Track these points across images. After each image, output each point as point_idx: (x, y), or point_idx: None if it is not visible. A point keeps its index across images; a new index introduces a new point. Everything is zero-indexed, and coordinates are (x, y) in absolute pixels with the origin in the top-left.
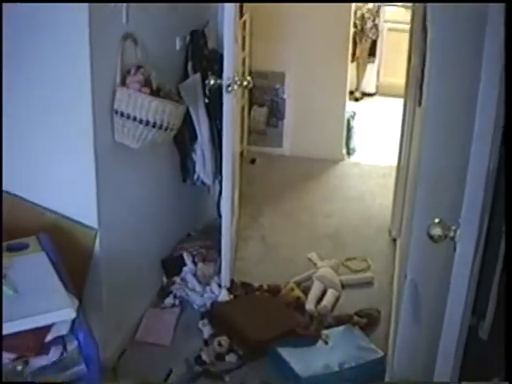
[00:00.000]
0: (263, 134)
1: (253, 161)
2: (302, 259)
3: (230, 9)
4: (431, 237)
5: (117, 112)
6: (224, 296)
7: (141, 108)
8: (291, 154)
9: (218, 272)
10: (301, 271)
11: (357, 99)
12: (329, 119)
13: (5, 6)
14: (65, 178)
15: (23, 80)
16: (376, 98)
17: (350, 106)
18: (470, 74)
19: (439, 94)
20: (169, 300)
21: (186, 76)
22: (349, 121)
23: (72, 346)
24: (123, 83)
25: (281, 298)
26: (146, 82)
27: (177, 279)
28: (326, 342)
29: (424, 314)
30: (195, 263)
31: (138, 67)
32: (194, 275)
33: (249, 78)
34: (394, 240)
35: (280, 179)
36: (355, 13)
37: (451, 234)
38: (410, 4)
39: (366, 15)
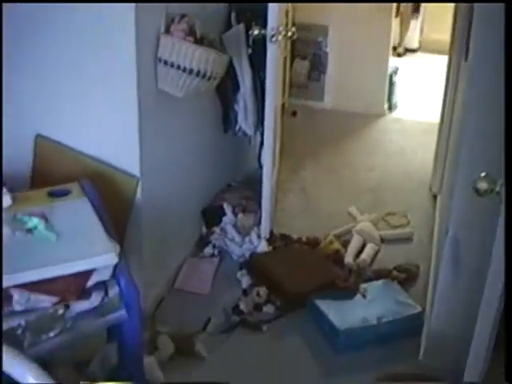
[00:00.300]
0: (305, 87)
1: (294, 113)
2: (341, 213)
3: None
4: (477, 190)
5: (160, 60)
6: (263, 247)
7: (184, 56)
8: (332, 107)
9: (258, 223)
10: (340, 225)
11: (399, 55)
12: (371, 74)
13: None
14: (108, 125)
15: (68, 27)
16: (418, 54)
17: (393, 61)
18: None
19: (486, 46)
20: (208, 250)
21: (229, 26)
22: (391, 76)
23: (113, 291)
24: (167, 31)
25: (320, 251)
26: (190, 31)
27: (216, 229)
28: (364, 296)
29: (465, 270)
30: (235, 214)
31: (182, 16)
32: (234, 226)
33: (293, 28)
34: (435, 196)
35: (321, 133)
36: None
37: (497, 188)
38: None
39: None
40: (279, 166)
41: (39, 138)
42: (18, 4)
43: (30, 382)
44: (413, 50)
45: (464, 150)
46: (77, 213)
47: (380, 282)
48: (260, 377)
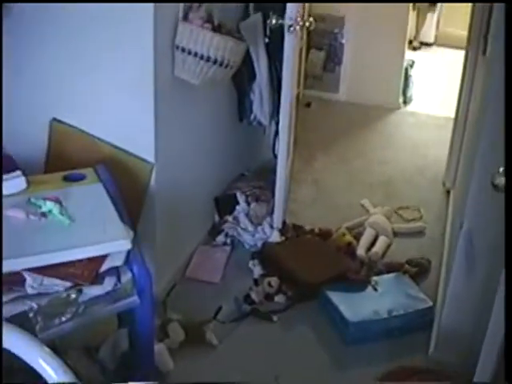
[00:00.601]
0: (320, 78)
1: (308, 104)
2: (354, 205)
3: None
4: (495, 186)
5: (178, 47)
6: (275, 237)
7: (202, 43)
8: (347, 99)
9: (271, 213)
10: (353, 217)
11: (415, 48)
12: (386, 67)
13: None
14: (124, 111)
15: (86, 14)
16: (434, 48)
17: (408, 55)
18: None
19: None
20: (220, 238)
21: (247, 15)
22: (407, 69)
23: (126, 277)
24: (185, 18)
25: (332, 243)
26: (209, 18)
27: (229, 218)
28: (376, 289)
29: (478, 265)
30: (248, 203)
31: (201, 3)
32: (247, 215)
33: (311, 19)
34: (448, 192)
35: (335, 124)
36: None
37: None
38: None
39: None
40: (293, 156)
41: (54, 122)
42: None
43: (41, 365)
44: (428, 44)
45: (482, 145)
46: (91, 198)
47: (391, 275)
48: (270, 366)
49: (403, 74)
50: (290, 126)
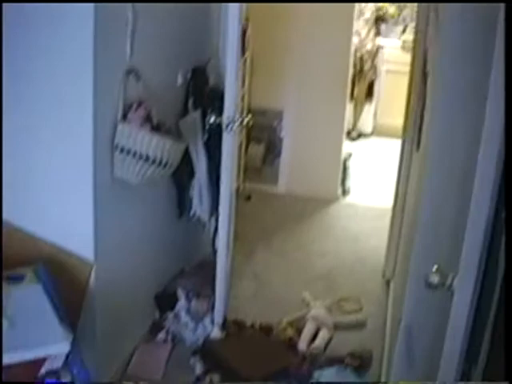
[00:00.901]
0: (259, 171)
1: (248, 197)
2: (295, 298)
3: (233, 47)
4: (429, 284)
5: (117, 147)
6: (217, 333)
7: (141, 144)
8: (286, 192)
9: (212, 309)
10: (294, 310)
11: (353, 139)
12: (325, 158)
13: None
14: (63, 210)
15: (26, 112)
16: (372, 138)
17: (347, 145)
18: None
19: (440, 139)
20: (161, 335)
21: (186, 112)
22: (345, 161)
23: (66, 378)
24: (125, 118)
25: (273, 337)
26: (147, 118)
27: (170, 315)
28: (319, 383)
29: (418, 360)
30: (189, 299)
31: (140, 102)
32: (188, 311)
33: (249, 116)
34: (388, 282)
35: (275, 217)
36: (355, 54)
37: (449, 281)
38: (409, 46)
39: (365, 56)
40: (233, 251)
41: None
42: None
43: None
44: (366, 135)
45: (417, 242)
46: (30, 299)
47: (334, 368)
48: None
49: (341, 166)
50: (230, 220)
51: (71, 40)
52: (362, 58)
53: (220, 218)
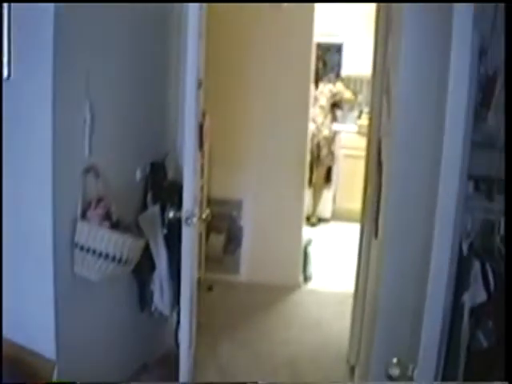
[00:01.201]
0: (220, 261)
1: (210, 288)
2: None
3: (190, 143)
4: (390, 377)
5: (77, 245)
6: None
7: (101, 241)
8: (248, 281)
9: None
10: None
11: (313, 224)
12: (286, 246)
13: None
14: (24, 309)
15: None
16: (332, 223)
17: (307, 231)
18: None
19: (396, 231)
20: None
21: (145, 207)
22: (305, 247)
23: None
24: (84, 216)
25: None
26: (107, 216)
27: None
28: None
29: None
30: None
31: (99, 200)
32: None
33: (208, 210)
34: (352, 368)
35: (237, 306)
36: (312, 140)
37: (409, 373)
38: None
39: (322, 142)
40: (196, 342)
41: None
42: None
43: None
44: (326, 220)
45: (377, 334)
46: None
47: None
48: None
49: (302, 252)
50: (192, 312)
51: (30, 138)
52: (318, 145)
53: (182, 311)
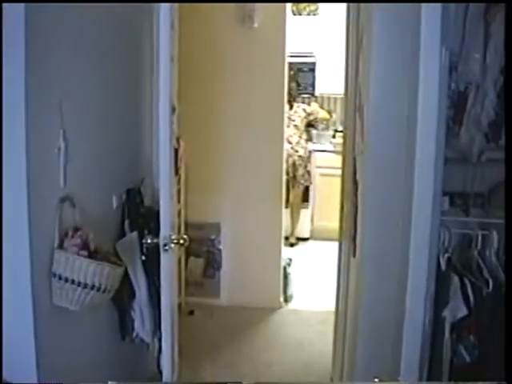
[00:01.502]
0: (200, 285)
1: (191, 312)
2: None
3: (165, 168)
4: None
5: (55, 275)
6: None
7: (79, 271)
8: (229, 304)
9: None
10: None
11: (292, 244)
12: (265, 267)
13: None
14: (3, 340)
15: None
16: (310, 242)
17: (286, 251)
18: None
19: (373, 248)
20: None
21: (123, 234)
22: (285, 268)
23: None
24: (61, 246)
25: None
26: (84, 245)
27: None
28: None
29: None
30: None
31: (76, 229)
32: None
33: (185, 235)
34: None
35: (219, 330)
36: (287, 160)
37: None
38: (340, 149)
39: (298, 162)
40: (179, 368)
41: None
42: None
43: None
44: (304, 239)
45: (358, 355)
46: None
47: None
48: None
49: (282, 273)
50: (173, 338)
51: (4, 170)
52: (294, 164)
53: (163, 337)
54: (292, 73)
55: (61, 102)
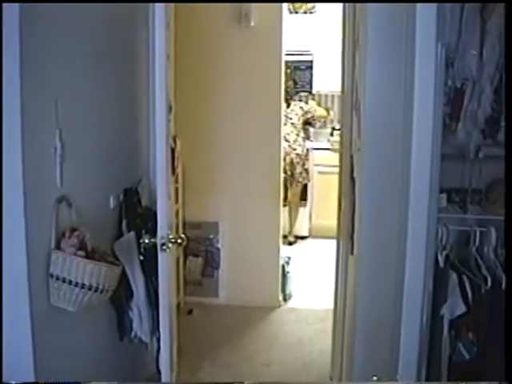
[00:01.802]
0: (199, 284)
1: (190, 312)
2: None
3: (162, 168)
4: None
5: (52, 276)
6: None
7: (76, 271)
8: (228, 303)
9: None
10: None
11: (290, 243)
12: (264, 266)
13: None
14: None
15: None
16: (309, 240)
17: (284, 249)
18: (398, 223)
19: (371, 245)
20: None
21: (120, 234)
22: (284, 266)
23: None
24: (58, 247)
25: None
26: (81, 245)
27: None
28: None
29: None
30: None
31: (73, 229)
32: None
33: (183, 235)
34: None
35: (218, 329)
36: (284, 159)
37: None
38: (337, 147)
39: (295, 160)
40: (178, 367)
41: None
42: None
43: None
44: (303, 237)
45: (357, 353)
46: None
47: None
48: None
49: (281, 271)
50: (172, 338)
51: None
52: (292, 162)
53: (161, 336)
54: (289, 71)
55: (57, 102)
